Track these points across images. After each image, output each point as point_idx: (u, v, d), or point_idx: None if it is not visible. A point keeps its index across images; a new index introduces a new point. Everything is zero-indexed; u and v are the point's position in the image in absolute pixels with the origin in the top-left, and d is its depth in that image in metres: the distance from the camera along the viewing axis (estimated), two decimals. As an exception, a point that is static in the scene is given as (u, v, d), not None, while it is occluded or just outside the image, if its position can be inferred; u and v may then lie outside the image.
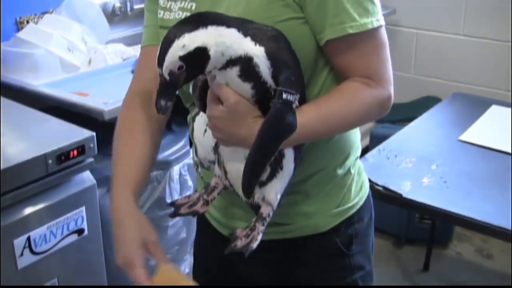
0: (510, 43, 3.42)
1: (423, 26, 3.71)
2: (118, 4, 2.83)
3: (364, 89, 1.18)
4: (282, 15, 1.14)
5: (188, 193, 2.34)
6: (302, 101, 1.14)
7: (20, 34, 2.43)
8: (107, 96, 2.17)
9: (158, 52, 1.04)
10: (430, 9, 3.66)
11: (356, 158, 1.37)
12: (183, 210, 1.26)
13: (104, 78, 2.45)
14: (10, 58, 2.35)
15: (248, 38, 1.05)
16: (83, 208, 1.90)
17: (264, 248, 1.24)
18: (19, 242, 1.74)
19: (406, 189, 1.98)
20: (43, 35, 2.42)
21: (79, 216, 1.89)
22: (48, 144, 1.80)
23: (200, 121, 1.27)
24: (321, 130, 1.17)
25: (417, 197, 1.96)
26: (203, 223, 1.47)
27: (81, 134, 1.88)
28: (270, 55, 1.06)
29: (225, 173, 1.22)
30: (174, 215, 1.27)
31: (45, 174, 1.79)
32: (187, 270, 2.48)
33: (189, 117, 1.34)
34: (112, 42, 2.74)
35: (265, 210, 1.20)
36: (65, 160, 1.81)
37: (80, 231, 1.91)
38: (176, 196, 2.28)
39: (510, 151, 2.26)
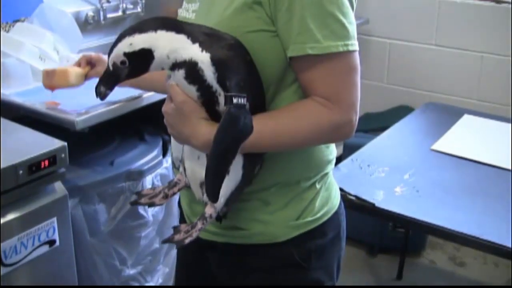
0: (480, 53, 3.46)
1: (395, 36, 3.73)
2: (91, 13, 2.81)
3: (319, 109, 1.19)
4: (252, 26, 1.18)
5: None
6: (259, 110, 1.18)
7: (-9, 43, 2.40)
8: (79, 106, 2.15)
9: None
10: (402, 19, 3.69)
11: (325, 174, 1.37)
12: (143, 200, 1.35)
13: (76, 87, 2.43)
14: (-20, 67, 2.32)
15: (196, 45, 1.12)
16: (55, 219, 1.88)
17: (223, 251, 1.33)
18: (-12, 254, 1.72)
19: (379, 199, 1.99)
20: (14, 44, 2.40)
21: (50, 227, 1.87)
22: (19, 155, 1.78)
23: None
24: (265, 142, 1.19)
25: (390, 207, 1.96)
26: (182, 218, 1.51)
27: (52, 144, 1.86)
28: (215, 61, 1.11)
29: (184, 170, 1.30)
30: (133, 203, 1.38)
31: (16, 185, 1.76)
32: (160, 280, 2.46)
33: None
34: (85, 51, 2.71)
35: (208, 210, 1.25)
36: (36, 170, 1.79)
37: (51, 242, 1.88)
38: (148, 207, 2.26)
39: (482, 161, 2.28)
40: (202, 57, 1.11)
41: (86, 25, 2.80)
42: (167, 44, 1.12)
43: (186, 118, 1.17)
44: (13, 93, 2.26)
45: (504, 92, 3.41)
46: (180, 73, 1.13)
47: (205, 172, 1.14)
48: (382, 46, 3.78)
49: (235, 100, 1.09)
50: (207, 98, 1.15)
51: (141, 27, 1.12)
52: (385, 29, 3.76)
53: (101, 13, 2.85)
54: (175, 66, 1.13)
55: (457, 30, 3.52)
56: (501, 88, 3.43)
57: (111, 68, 1.13)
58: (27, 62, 2.39)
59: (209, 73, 1.12)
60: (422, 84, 3.71)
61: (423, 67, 3.69)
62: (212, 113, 1.16)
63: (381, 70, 3.81)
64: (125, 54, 1.11)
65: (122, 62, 1.12)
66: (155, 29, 1.12)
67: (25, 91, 2.30)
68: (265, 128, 1.16)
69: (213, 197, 1.16)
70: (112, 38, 2.81)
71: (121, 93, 2.09)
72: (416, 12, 3.62)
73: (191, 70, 1.12)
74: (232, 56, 1.13)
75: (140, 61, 1.13)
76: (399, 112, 3.44)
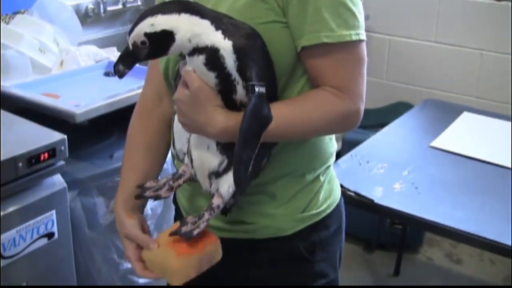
0: (480, 51, 3.46)
1: (395, 32, 3.73)
2: (91, 6, 2.81)
3: (331, 99, 1.20)
4: (264, 17, 1.18)
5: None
6: (273, 101, 1.17)
7: (-9, 35, 2.40)
8: (78, 99, 2.15)
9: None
10: (402, 15, 3.69)
11: (328, 167, 1.38)
12: (148, 193, 1.33)
13: (76, 80, 2.43)
14: (-20, 59, 2.32)
15: (219, 32, 1.11)
16: (53, 212, 1.88)
17: (227, 246, 1.30)
18: (-13, 246, 1.72)
19: (378, 195, 1.99)
20: (14, 36, 2.39)
21: (49, 220, 1.87)
22: (18, 147, 1.78)
23: None
24: (279, 131, 1.19)
25: (389, 203, 1.97)
26: (178, 215, 1.50)
27: (52, 136, 1.86)
28: (237, 49, 1.11)
29: (191, 161, 1.26)
30: (138, 197, 1.35)
31: (15, 177, 1.76)
32: (158, 274, 2.46)
33: (174, 111, 1.37)
34: (85, 43, 2.71)
35: (216, 201, 1.23)
36: (35, 163, 1.79)
37: (50, 235, 1.89)
38: (147, 203, 2.26)
39: (481, 158, 2.29)
40: (224, 45, 1.11)
41: (86, 17, 2.80)
42: (190, 28, 1.10)
43: (201, 105, 1.15)
44: (13, 85, 2.26)
45: (503, 90, 3.41)
46: (200, 58, 1.12)
47: (233, 161, 1.13)
48: (382, 42, 3.78)
49: (257, 89, 1.10)
50: (224, 86, 1.14)
51: (164, 8, 1.11)
52: (385, 25, 3.75)
53: (101, 6, 2.84)
54: (196, 51, 1.12)
55: (457, 27, 3.52)
56: (501, 86, 3.43)
57: (130, 47, 1.12)
58: (26, 54, 2.39)
59: (230, 61, 1.11)
60: (421, 81, 3.71)
61: (422, 64, 3.69)
62: (228, 102, 1.16)
63: (380, 66, 3.81)
64: (146, 34, 1.10)
65: (142, 42, 1.10)
66: (179, 11, 1.10)
67: (24, 83, 2.30)
68: (279, 116, 1.16)
69: (240, 185, 1.15)
70: (112, 31, 2.81)
71: (120, 86, 2.09)
72: (416, 8, 3.61)
73: (212, 56, 1.11)
74: (252, 46, 1.13)
75: (160, 43, 1.11)
76: (398, 109, 3.44)
